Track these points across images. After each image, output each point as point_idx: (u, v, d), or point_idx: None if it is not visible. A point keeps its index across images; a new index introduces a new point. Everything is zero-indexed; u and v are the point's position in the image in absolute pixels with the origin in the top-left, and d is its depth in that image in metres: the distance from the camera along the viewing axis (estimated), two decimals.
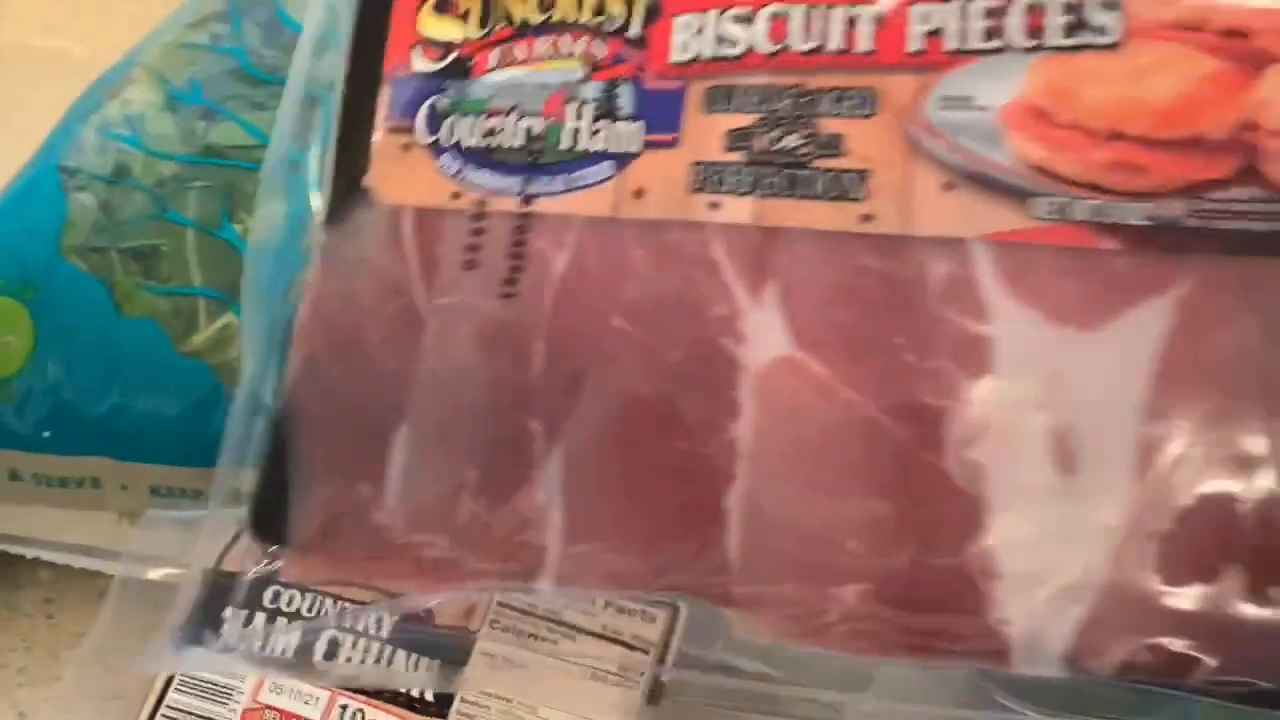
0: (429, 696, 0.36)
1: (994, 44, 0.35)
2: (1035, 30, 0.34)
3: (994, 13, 0.35)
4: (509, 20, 0.40)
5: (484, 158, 0.39)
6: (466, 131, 0.39)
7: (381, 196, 0.40)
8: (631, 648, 0.35)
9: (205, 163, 0.45)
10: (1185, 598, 0.30)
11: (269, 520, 0.38)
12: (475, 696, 0.35)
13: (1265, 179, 0.32)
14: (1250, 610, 0.30)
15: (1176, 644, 0.30)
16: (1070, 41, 0.34)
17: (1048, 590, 0.31)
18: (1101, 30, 0.34)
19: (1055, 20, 0.34)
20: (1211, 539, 0.30)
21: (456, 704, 0.35)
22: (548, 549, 0.36)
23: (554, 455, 0.36)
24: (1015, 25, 0.35)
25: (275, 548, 0.38)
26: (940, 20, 0.35)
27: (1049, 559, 0.32)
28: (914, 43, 0.35)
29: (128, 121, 0.46)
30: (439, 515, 0.37)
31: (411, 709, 0.36)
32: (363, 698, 0.36)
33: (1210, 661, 0.30)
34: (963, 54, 0.35)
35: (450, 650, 0.36)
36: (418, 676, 0.35)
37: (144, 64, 0.47)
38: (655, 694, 0.34)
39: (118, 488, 0.43)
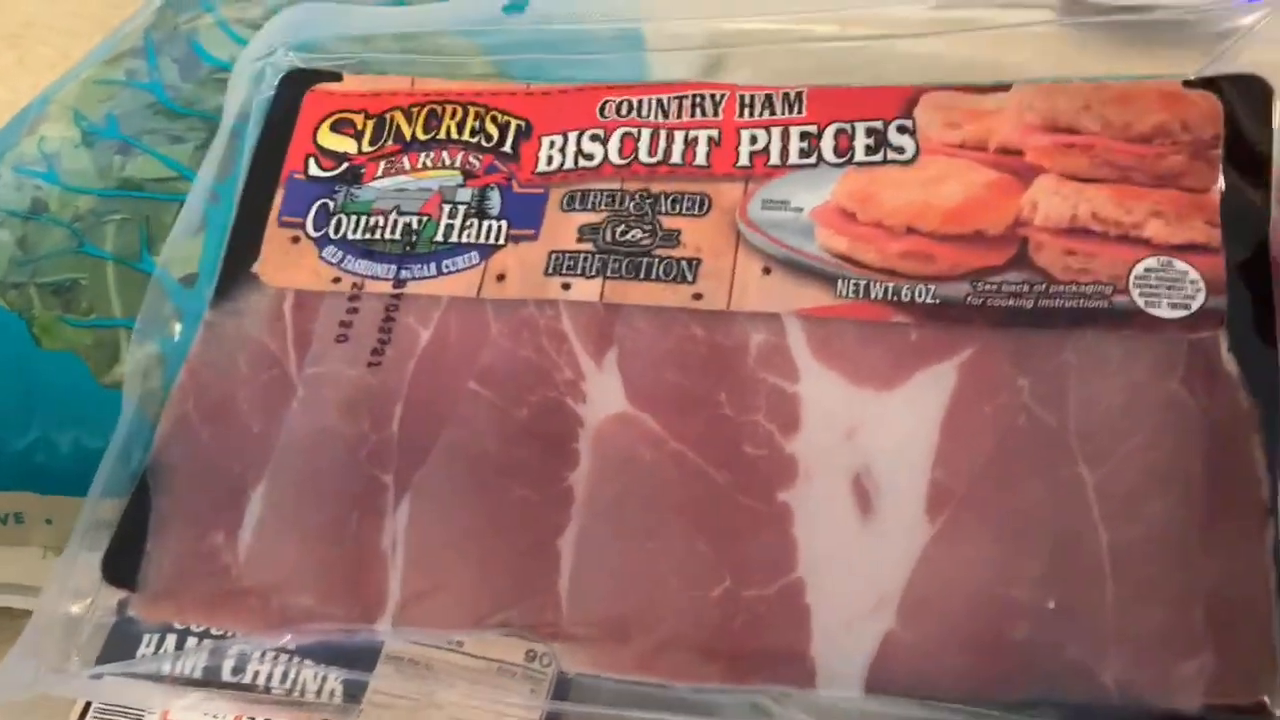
0: (337, 699, 0.36)
1: (809, 160, 0.40)
2: (844, 150, 0.40)
3: (809, 136, 0.41)
4: (398, 137, 0.45)
5: (364, 248, 0.43)
6: (351, 227, 0.44)
7: (268, 281, 0.43)
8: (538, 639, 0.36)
9: (123, 196, 0.45)
10: (973, 621, 0.33)
11: (122, 566, 0.39)
12: (383, 699, 0.35)
13: (1034, 265, 0.37)
14: (1026, 632, 0.32)
15: (964, 664, 0.33)
16: (872, 159, 0.40)
17: (847, 618, 0.34)
18: (900, 149, 0.40)
19: (860, 142, 0.40)
20: (996, 568, 0.33)
21: (364, 704, 0.36)
22: (389, 593, 0.37)
23: (402, 505, 0.38)
24: (828, 146, 0.41)
25: (125, 593, 0.39)
26: (765, 142, 0.41)
27: (848, 589, 0.34)
28: (742, 159, 0.41)
29: (44, 158, 0.47)
30: (288, 562, 0.38)
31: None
32: (269, 708, 0.36)
33: (994, 679, 0.32)
34: (783, 167, 0.41)
35: (357, 656, 0.36)
36: (322, 705, 0.36)
37: (60, 101, 0.49)
38: (563, 689, 0.35)
39: (42, 522, 0.43)
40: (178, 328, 0.44)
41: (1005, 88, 0.40)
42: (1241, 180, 0.36)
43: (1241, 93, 0.37)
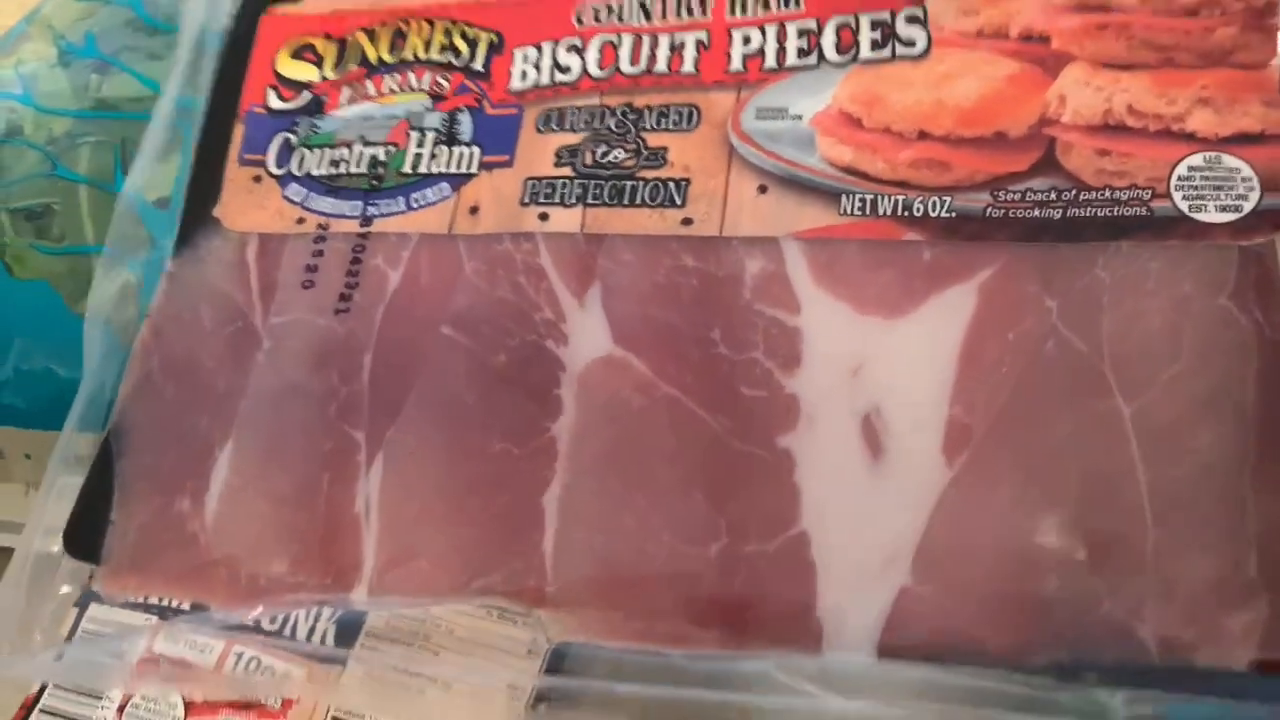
0: (329, 640, 0.34)
1: (808, 60, 0.36)
2: (847, 46, 0.36)
3: (808, 33, 0.36)
4: (362, 61, 0.41)
5: (328, 185, 0.40)
6: (314, 162, 0.40)
7: (230, 225, 0.40)
8: None
9: (98, 117, 0.44)
10: (996, 576, 0.29)
11: (84, 538, 0.37)
12: (373, 643, 0.33)
13: (1062, 170, 0.33)
14: (1056, 586, 0.29)
15: (987, 623, 0.29)
16: (879, 55, 0.35)
17: (856, 575, 0.30)
18: (910, 42, 0.35)
19: (866, 36, 0.36)
20: (1021, 516, 0.30)
21: (357, 648, 0.34)
22: (364, 561, 0.34)
23: (374, 464, 0.35)
24: (829, 43, 0.36)
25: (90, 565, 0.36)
26: (759, 42, 0.37)
27: (858, 543, 0.31)
28: (735, 63, 0.37)
29: (20, 80, 0.45)
30: (256, 529, 0.36)
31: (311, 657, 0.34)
32: (259, 644, 0.34)
33: (1020, 640, 0.29)
34: (780, 70, 0.36)
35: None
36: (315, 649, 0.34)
37: (41, 21, 0.47)
38: (558, 660, 0.33)
39: (21, 457, 0.41)
40: (153, 254, 0.41)
41: None
42: None
43: None
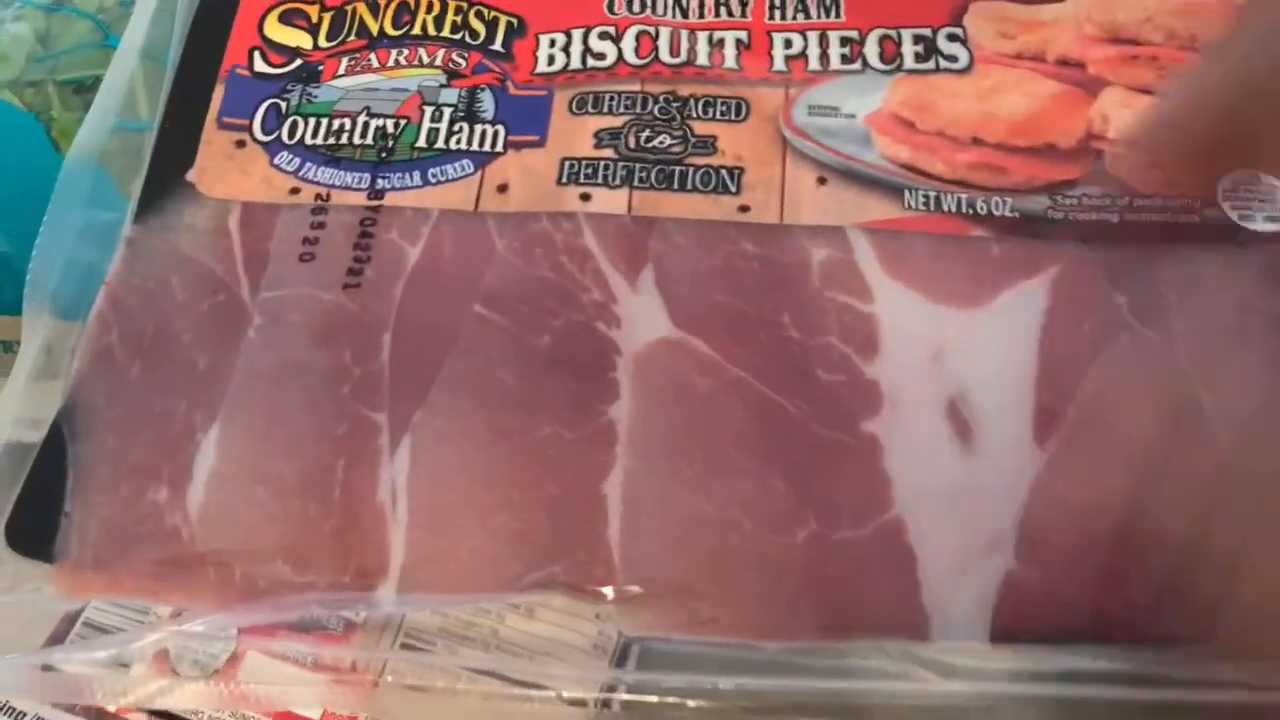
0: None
1: (853, 66, 0.36)
2: (891, 57, 0.36)
3: (850, 42, 0.37)
4: (363, 32, 0.38)
5: (328, 155, 0.36)
6: (310, 131, 0.37)
7: (207, 191, 0.36)
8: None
9: None
10: (1102, 555, 0.29)
11: (32, 532, 0.31)
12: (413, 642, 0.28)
13: (1114, 179, 0.34)
14: (1163, 564, 0.29)
15: (1099, 601, 0.28)
16: (923, 66, 0.36)
17: (959, 559, 0.29)
18: (953, 58, 0.36)
19: (909, 49, 0.36)
20: (1119, 496, 0.29)
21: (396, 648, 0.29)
22: (390, 552, 0.30)
23: (400, 449, 0.31)
24: (873, 53, 0.36)
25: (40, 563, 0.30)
26: (801, 46, 0.37)
27: (956, 528, 0.30)
28: (778, 64, 0.36)
29: None
30: (255, 523, 0.31)
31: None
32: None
33: (1135, 617, 0.28)
34: (825, 73, 0.36)
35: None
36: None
37: None
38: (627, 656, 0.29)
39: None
40: None
41: None
42: None
43: None
